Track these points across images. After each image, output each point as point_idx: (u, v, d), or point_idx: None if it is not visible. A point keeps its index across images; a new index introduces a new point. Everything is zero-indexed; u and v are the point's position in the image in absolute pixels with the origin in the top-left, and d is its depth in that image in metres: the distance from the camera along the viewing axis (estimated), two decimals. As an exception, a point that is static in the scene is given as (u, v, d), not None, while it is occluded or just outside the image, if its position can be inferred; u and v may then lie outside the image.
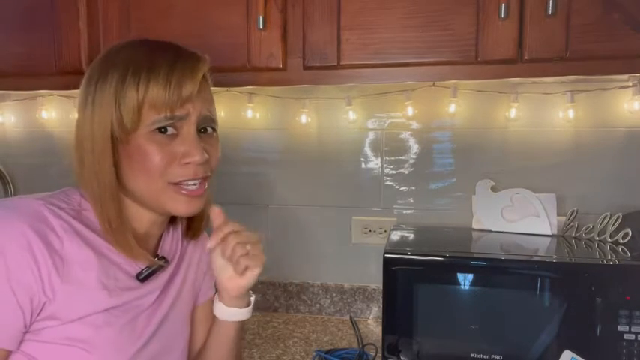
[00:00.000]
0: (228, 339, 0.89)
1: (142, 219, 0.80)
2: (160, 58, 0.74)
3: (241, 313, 0.88)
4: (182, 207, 0.77)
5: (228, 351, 0.91)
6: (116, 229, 0.75)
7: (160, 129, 0.73)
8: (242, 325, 0.91)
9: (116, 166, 0.74)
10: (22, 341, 0.70)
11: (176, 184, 0.75)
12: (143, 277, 0.79)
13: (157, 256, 0.83)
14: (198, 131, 0.77)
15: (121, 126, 0.72)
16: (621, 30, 0.98)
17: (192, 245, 0.92)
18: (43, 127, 1.61)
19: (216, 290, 0.89)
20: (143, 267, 0.79)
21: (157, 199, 0.76)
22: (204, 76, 0.78)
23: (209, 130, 0.80)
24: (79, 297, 0.71)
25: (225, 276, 0.84)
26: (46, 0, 1.20)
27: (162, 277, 0.83)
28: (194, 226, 0.89)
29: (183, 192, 0.76)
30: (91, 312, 0.72)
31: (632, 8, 0.97)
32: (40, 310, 0.69)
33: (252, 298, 0.90)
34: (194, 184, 0.76)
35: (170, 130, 0.74)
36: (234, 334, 0.89)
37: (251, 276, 0.83)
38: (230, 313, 0.87)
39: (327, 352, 1.23)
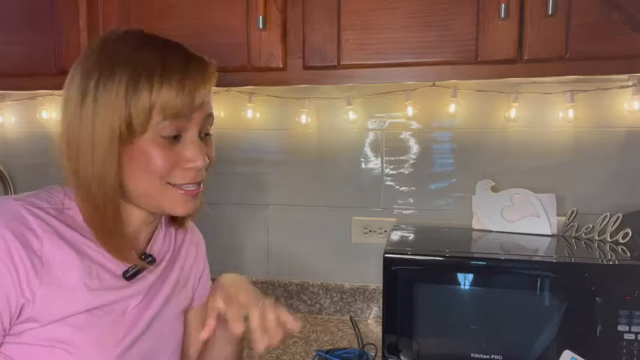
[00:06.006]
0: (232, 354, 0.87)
1: (132, 219, 0.79)
2: (171, 61, 0.72)
3: None
4: (180, 207, 0.76)
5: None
6: (112, 230, 0.73)
7: None
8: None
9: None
10: (2, 343, 0.69)
11: (175, 184, 0.75)
12: (129, 276, 0.77)
13: (144, 254, 0.81)
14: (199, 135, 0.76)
15: (129, 128, 0.70)
16: (621, 30, 0.97)
17: (187, 243, 0.91)
18: (43, 127, 1.61)
19: None
20: (129, 266, 0.77)
21: (155, 199, 0.75)
22: None
23: (208, 133, 0.79)
24: (60, 298, 0.70)
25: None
26: (46, 0, 1.19)
27: (151, 276, 0.81)
28: (180, 217, 0.87)
29: (181, 192, 0.75)
30: (72, 313, 0.70)
31: (632, 8, 0.97)
32: (20, 313, 0.68)
33: None
34: (193, 186, 0.76)
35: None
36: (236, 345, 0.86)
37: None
38: None
39: (327, 352, 1.23)
